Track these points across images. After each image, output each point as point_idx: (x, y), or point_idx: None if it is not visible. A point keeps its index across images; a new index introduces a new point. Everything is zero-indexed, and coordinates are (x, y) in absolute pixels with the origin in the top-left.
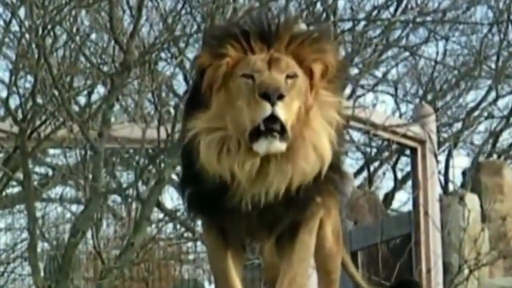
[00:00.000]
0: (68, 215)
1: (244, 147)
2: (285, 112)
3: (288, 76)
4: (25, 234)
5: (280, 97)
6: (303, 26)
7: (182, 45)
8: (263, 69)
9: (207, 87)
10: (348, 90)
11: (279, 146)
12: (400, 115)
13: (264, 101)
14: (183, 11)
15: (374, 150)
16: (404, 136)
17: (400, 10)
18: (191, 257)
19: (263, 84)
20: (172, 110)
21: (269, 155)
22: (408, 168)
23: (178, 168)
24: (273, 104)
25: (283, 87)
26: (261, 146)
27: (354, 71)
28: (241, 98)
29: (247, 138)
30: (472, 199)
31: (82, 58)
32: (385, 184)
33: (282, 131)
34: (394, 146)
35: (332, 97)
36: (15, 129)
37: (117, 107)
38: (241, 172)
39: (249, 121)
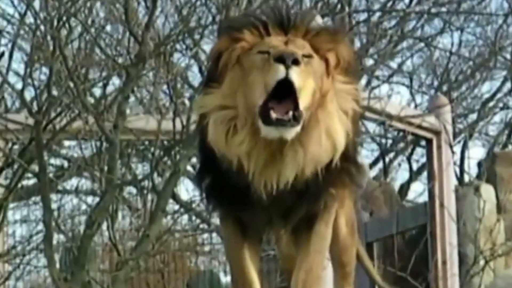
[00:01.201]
0: (83, 206)
1: (253, 128)
2: (300, 79)
3: (304, 56)
4: (40, 226)
5: (295, 62)
6: (319, 20)
7: (197, 36)
8: (280, 45)
9: (222, 69)
10: (363, 81)
11: (291, 132)
12: (416, 106)
13: (279, 63)
14: (198, 3)
15: (390, 141)
16: (420, 127)
17: (415, 1)
18: (206, 248)
19: (278, 51)
20: (187, 102)
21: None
22: (424, 159)
23: (194, 159)
24: (287, 68)
25: (299, 55)
26: (270, 134)
27: (369, 62)
28: (255, 70)
29: (257, 117)
30: (487, 190)
31: (97, 50)
32: (400, 175)
33: (294, 118)
34: (409, 137)
35: (348, 84)
36: (31, 121)
37: (132, 98)
38: (249, 156)
39: (263, 86)
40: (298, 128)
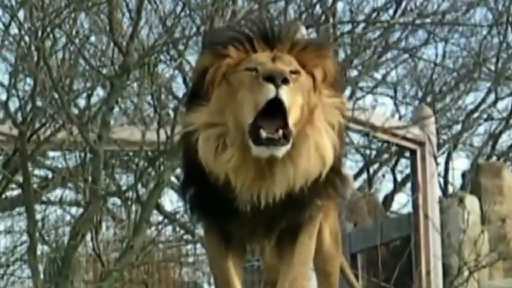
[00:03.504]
0: (67, 217)
1: (240, 144)
2: (289, 98)
3: (291, 72)
4: (24, 237)
5: (285, 81)
6: (303, 31)
7: (181, 47)
8: (267, 62)
9: (208, 86)
10: (347, 92)
11: (282, 151)
12: (400, 117)
13: (269, 83)
14: (182, 14)
15: (374, 152)
16: (404, 138)
17: (399, 12)
18: (190, 259)
19: (267, 69)
20: (171, 113)
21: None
22: (408, 170)
23: (178, 170)
24: (277, 87)
25: (287, 74)
26: (260, 153)
27: (353, 73)
28: (243, 88)
29: (247, 136)
30: (471, 201)
31: (82, 61)
32: (384, 186)
33: (284, 137)
34: (393, 148)
35: (334, 98)
36: (15, 131)
37: (116, 109)
38: (237, 173)
39: (253, 105)
40: (288, 147)
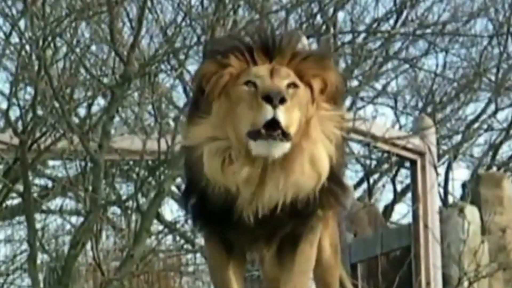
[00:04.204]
0: (68, 226)
1: (245, 156)
2: (286, 117)
3: (289, 85)
4: (24, 246)
5: (282, 100)
6: (304, 41)
7: (182, 57)
8: (266, 76)
9: (209, 95)
10: (348, 102)
11: (281, 148)
12: (400, 127)
13: (266, 103)
14: (183, 23)
15: (374, 162)
16: (404, 148)
17: (400, 22)
18: (190, 269)
19: (265, 88)
20: (172, 122)
21: (266, 165)
22: (408, 181)
23: (178, 180)
24: (274, 107)
25: (285, 92)
26: (260, 149)
27: (354, 83)
28: (242, 103)
29: (246, 142)
30: (471, 212)
31: (83, 70)
32: (384, 196)
33: (283, 134)
34: (393, 158)
35: (333, 111)
36: (15, 140)
37: (117, 119)
38: (244, 183)
39: (250, 125)
40: (287, 146)
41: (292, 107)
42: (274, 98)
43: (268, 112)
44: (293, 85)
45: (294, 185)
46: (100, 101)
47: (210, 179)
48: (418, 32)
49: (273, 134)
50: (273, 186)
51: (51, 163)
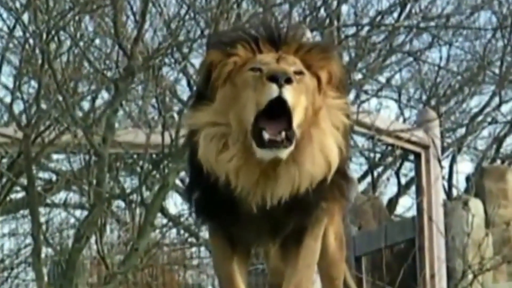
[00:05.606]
0: (72, 220)
1: (244, 145)
2: (292, 98)
3: (295, 72)
4: (29, 240)
5: (288, 80)
6: (308, 34)
7: (186, 50)
8: (271, 62)
9: (213, 83)
10: (352, 95)
11: (283, 154)
12: (404, 120)
13: (272, 83)
14: (187, 17)
15: (378, 155)
16: (408, 141)
17: (403, 15)
18: (195, 262)
19: (271, 69)
20: (176, 115)
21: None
22: (412, 174)
23: (182, 173)
24: (280, 86)
25: (291, 73)
26: (263, 156)
27: (358, 76)
28: (247, 88)
29: (250, 138)
30: (476, 204)
31: (86, 64)
32: (389, 189)
33: (287, 138)
34: (398, 151)
35: (339, 99)
36: (19, 134)
37: (121, 112)
38: (238, 173)
39: (255, 105)
40: (291, 148)
41: (299, 91)
42: (280, 78)
43: (273, 90)
44: (299, 72)
45: (307, 176)
46: (104, 95)
47: (203, 164)
48: (422, 25)
49: (277, 141)
50: (285, 179)
51: (55, 156)
